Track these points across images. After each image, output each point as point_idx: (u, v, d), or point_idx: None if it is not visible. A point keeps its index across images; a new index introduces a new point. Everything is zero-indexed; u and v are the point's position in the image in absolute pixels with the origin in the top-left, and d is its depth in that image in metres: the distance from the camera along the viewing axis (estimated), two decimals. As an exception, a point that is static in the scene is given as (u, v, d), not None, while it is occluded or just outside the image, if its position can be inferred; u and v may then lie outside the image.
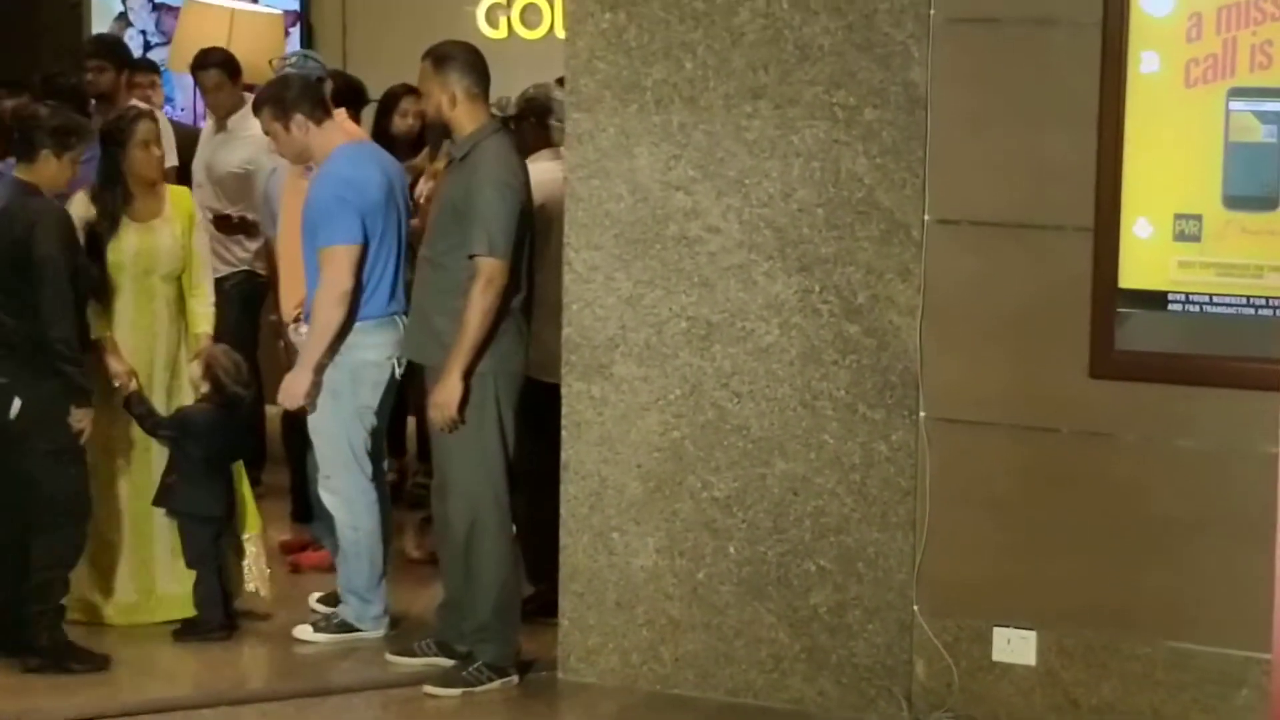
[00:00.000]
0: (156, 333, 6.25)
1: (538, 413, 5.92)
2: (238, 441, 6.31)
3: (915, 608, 5.28)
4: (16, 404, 5.69)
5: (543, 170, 6.10)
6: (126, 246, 6.17)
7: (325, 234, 5.90)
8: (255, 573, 6.37)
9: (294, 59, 7.21)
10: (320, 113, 6.13)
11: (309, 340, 5.99)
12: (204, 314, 6.35)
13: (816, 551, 5.35)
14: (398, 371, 6.05)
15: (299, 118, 6.06)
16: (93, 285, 6.05)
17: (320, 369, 5.96)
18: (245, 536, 6.34)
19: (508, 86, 8.09)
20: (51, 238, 5.70)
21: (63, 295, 5.70)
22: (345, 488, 6.06)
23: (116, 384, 6.09)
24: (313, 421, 6.10)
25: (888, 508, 5.28)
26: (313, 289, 6.02)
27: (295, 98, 6.09)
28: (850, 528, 5.32)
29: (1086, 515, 5.09)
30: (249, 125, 7.62)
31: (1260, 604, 4.06)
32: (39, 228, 5.70)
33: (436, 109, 5.70)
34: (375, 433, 6.14)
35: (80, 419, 5.80)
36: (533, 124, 6.50)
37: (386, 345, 5.96)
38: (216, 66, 8.03)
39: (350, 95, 6.35)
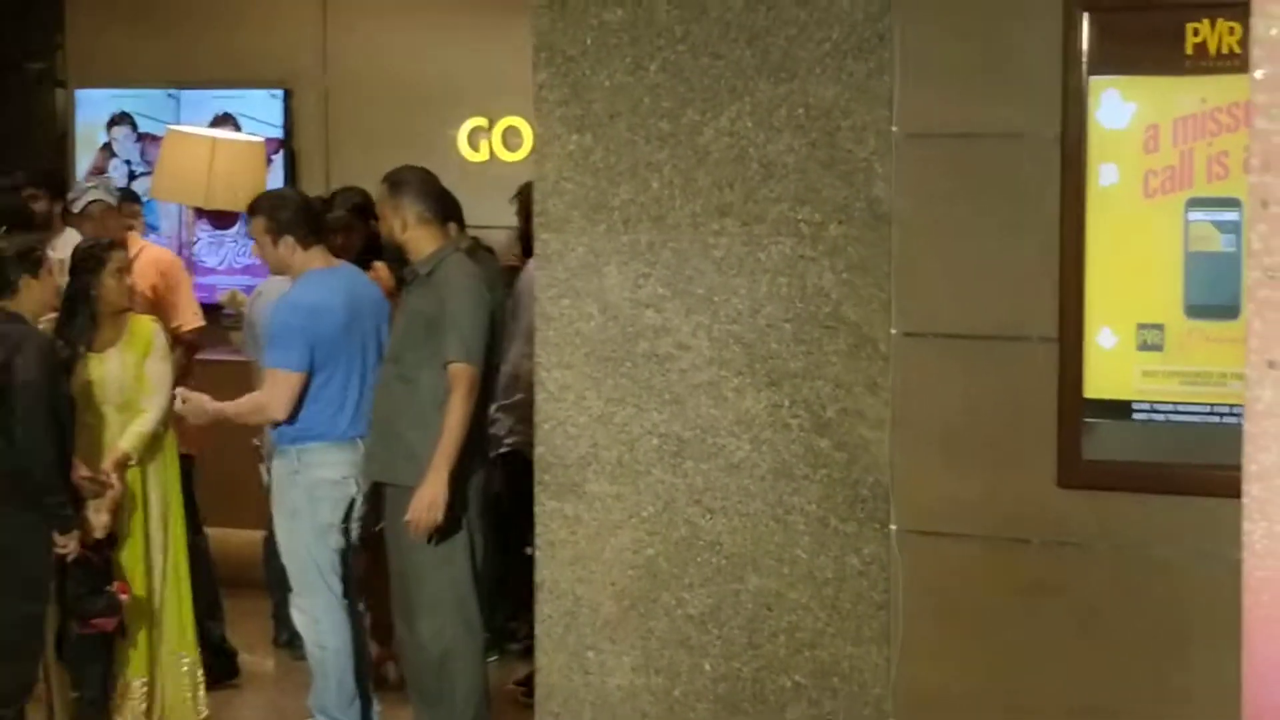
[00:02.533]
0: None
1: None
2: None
3: (892, 722, 5.26)
4: None
5: None
6: (79, 377, 6.22)
7: (272, 355, 5.99)
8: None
9: (95, 183, 7.21)
10: (312, 238, 6.24)
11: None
12: (133, 432, 6.33)
13: (791, 667, 5.33)
14: (357, 491, 6.07)
15: (289, 240, 6.17)
16: (73, 412, 6.07)
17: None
18: (184, 660, 6.35)
19: (489, 209, 8.13)
20: (33, 365, 5.71)
21: (42, 423, 5.68)
22: (312, 606, 6.10)
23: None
24: (279, 541, 6.15)
25: (861, 621, 5.26)
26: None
27: (291, 219, 6.21)
28: (824, 642, 5.30)
29: (1061, 626, 5.07)
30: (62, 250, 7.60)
31: (1236, 710, 4.04)
32: (21, 355, 5.70)
33: (389, 232, 5.81)
34: (344, 552, 6.16)
35: (64, 544, 5.81)
36: None
37: (344, 465, 5.99)
38: (30, 183, 7.99)
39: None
